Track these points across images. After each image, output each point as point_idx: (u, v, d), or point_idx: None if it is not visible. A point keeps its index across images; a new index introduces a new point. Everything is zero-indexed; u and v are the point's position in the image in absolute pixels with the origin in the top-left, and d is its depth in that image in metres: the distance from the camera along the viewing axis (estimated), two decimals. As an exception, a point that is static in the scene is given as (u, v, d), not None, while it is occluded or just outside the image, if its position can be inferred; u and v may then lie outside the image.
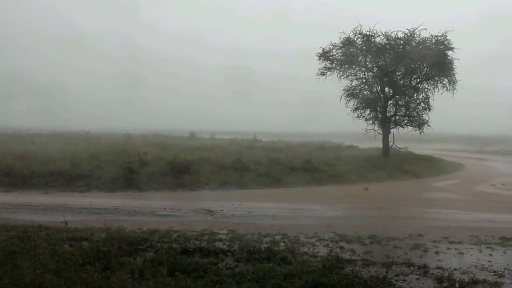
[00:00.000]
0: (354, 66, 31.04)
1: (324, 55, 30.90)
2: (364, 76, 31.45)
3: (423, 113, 31.18)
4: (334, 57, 31.08)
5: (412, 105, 31.45)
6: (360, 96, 31.38)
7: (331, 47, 30.82)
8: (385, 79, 30.83)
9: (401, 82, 31.21)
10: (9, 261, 6.78)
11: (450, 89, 30.34)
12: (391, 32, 30.24)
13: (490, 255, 9.30)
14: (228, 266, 7.90)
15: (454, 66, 29.99)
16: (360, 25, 30.13)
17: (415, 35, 29.87)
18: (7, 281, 6.01)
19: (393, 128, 31.64)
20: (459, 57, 30.00)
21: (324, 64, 31.04)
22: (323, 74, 31.09)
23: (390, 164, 26.97)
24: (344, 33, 30.28)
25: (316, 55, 30.93)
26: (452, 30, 30.08)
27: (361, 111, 31.38)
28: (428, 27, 42.26)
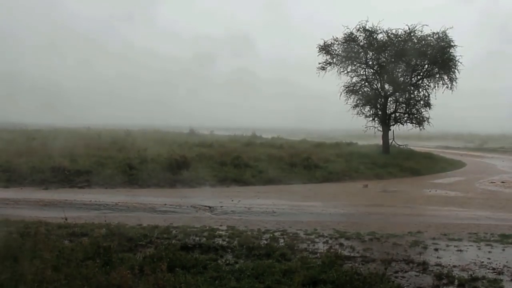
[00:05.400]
0: (354, 63, 30.99)
1: (325, 48, 30.77)
2: (364, 72, 31.42)
3: (423, 110, 31.20)
4: (335, 52, 31.00)
5: (412, 102, 31.43)
6: (360, 92, 31.35)
7: (332, 41, 30.75)
8: (385, 76, 30.81)
9: (402, 79, 31.19)
10: (10, 257, 6.80)
11: (450, 87, 30.30)
12: (392, 30, 30.26)
13: (489, 252, 9.31)
14: (227, 262, 7.91)
15: (457, 63, 29.89)
16: (366, 21, 30.07)
17: (416, 31, 29.85)
18: (8, 276, 6.02)
19: (393, 125, 31.64)
20: (461, 54, 30.01)
21: (325, 58, 30.98)
22: (323, 68, 30.96)
23: (390, 161, 26.96)
24: (348, 28, 30.23)
25: (316, 47, 30.88)
26: (452, 27, 30.03)
27: (361, 108, 31.36)
28: (428, 24, 42.37)
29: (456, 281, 7.32)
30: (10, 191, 16.49)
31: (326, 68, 30.92)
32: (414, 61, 30.39)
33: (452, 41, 29.67)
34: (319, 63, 30.97)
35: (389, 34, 30.27)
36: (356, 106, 31.21)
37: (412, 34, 29.93)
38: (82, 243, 8.29)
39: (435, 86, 30.60)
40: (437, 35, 29.69)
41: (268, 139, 42.06)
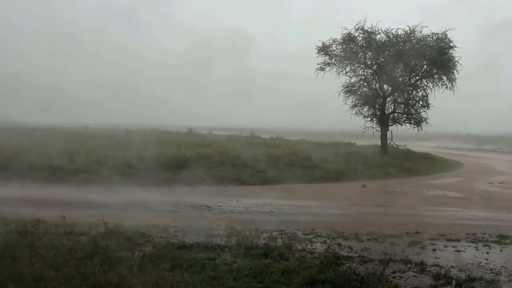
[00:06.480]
0: (353, 63, 31.00)
1: (324, 49, 30.80)
2: (363, 73, 31.44)
3: (422, 110, 31.23)
4: (333, 52, 31.02)
5: (411, 103, 31.45)
6: (358, 93, 31.36)
7: (331, 42, 30.79)
8: (384, 76, 30.83)
9: (400, 79, 31.22)
10: (8, 255, 6.79)
11: (449, 87, 30.32)
12: (392, 30, 30.29)
13: (487, 253, 9.33)
14: (225, 261, 7.91)
15: (456, 63, 29.90)
16: (364, 21, 30.14)
17: (415, 32, 29.87)
18: (6, 275, 6.02)
19: (392, 125, 31.66)
20: (460, 55, 30.02)
21: (323, 59, 31.01)
22: (322, 69, 31.01)
23: (388, 161, 27.00)
24: (346, 29, 30.28)
25: (315, 49, 30.91)
26: (453, 29, 30.11)
27: (360, 108, 31.36)
28: (427, 21, 42.37)
29: (454, 281, 7.34)
30: (8, 189, 16.44)
31: (325, 68, 30.99)
32: (413, 61, 30.42)
33: (452, 42, 29.74)
34: (318, 64, 31.05)
35: (388, 34, 30.33)
36: (354, 106, 31.24)
37: (411, 35, 29.96)
38: (80, 242, 8.29)
39: (434, 87, 30.67)
40: (436, 36, 29.73)
41: (267, 139, 42.03)
